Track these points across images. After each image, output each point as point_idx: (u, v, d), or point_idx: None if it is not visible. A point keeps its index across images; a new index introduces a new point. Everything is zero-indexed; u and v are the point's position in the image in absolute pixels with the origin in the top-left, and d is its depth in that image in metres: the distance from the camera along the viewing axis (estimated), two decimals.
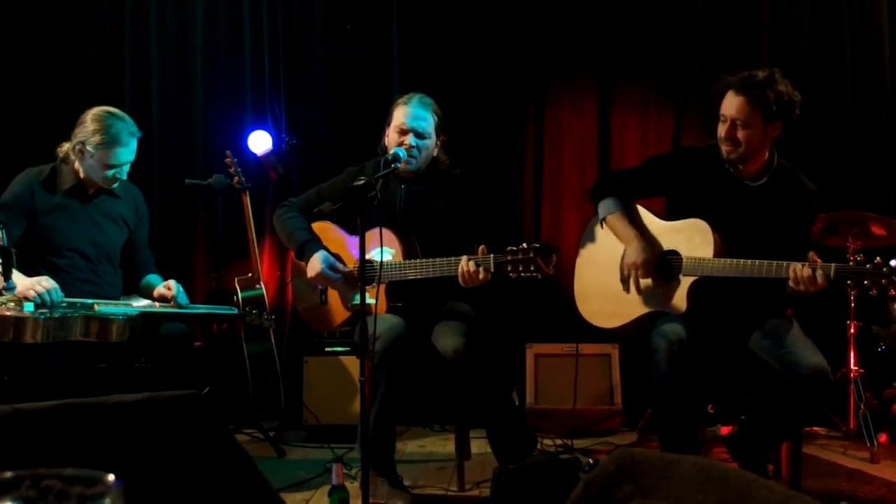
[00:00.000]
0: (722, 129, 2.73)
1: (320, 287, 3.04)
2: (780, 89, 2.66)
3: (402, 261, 2.86)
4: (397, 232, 2.90)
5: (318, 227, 3.07)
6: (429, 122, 2.98)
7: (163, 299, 3.01)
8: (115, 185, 3.05)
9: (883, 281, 2.39)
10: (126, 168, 3.01)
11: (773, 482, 1.02)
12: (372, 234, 2.76)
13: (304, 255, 2.98)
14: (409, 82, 4.37)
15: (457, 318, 2.91)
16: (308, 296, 3.12)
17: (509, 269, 2.61)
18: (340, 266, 2.96)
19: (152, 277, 3.21)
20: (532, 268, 2.58)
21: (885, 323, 3.89)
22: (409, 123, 2.95)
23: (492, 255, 2.65)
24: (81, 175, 3.00)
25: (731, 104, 2.70)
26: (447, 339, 2.78)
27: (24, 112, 4.47)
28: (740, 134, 2.70)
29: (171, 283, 3.04)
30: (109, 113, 2.95)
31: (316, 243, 2.98)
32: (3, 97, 4.46)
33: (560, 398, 3.80)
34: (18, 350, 2.60)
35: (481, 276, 2.66)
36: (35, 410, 1.28)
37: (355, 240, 2.78)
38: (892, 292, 2.43)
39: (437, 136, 3.03)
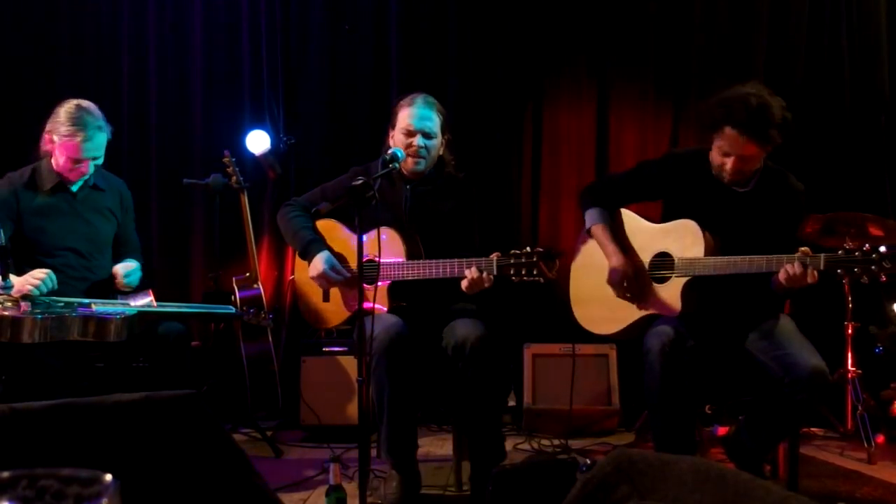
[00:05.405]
0: (728, 163, 2.69)
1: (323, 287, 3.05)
2: (778, 122, 2.60)
3: (404, 261, 2.86)
4: (401, 232, 2.90)
5: (323, 225, 3.07)
6: (434, 122, 2.97)
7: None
8: (85, 178, 3.02)
9: (873, 267, 2.36)
10: (96, 162, 2.98)
11: (771, 483, 1.02)
12: (374, 234, 2.77)
13: (308, 254, 2.98)
14: (408, 82, 4.38)
15: (472, 315, 2.91)
16: (310, 293, 3.13)
17: (512, 272, 2.60)
18: (342, 269, 2.96)
19: (126, 260, 3.17)
20: (535, 272, 2.56)
21: (883, 324, 3.89)
22: (416, 125, 2.94)
23: (495, 259, 2.64)
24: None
25: (737, 144, 2.64)
26: (466, 328, 2.78)
27: (23, 111, 4.46)
28: (745, 167, 2.70)
29: (125, 266, 3.06)
30: (79, 106, 2.93)
31: (320, 243, 2.98)
32: (1, 96, 4.45)
33: (557, 398, 3.80)
34: (16, 350, 2.60)
35: (485, 280, 2.66)
36: (32, 410, 1.28)
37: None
38: (884, 278, 2.38)
39: (443, 134, 3.02)
